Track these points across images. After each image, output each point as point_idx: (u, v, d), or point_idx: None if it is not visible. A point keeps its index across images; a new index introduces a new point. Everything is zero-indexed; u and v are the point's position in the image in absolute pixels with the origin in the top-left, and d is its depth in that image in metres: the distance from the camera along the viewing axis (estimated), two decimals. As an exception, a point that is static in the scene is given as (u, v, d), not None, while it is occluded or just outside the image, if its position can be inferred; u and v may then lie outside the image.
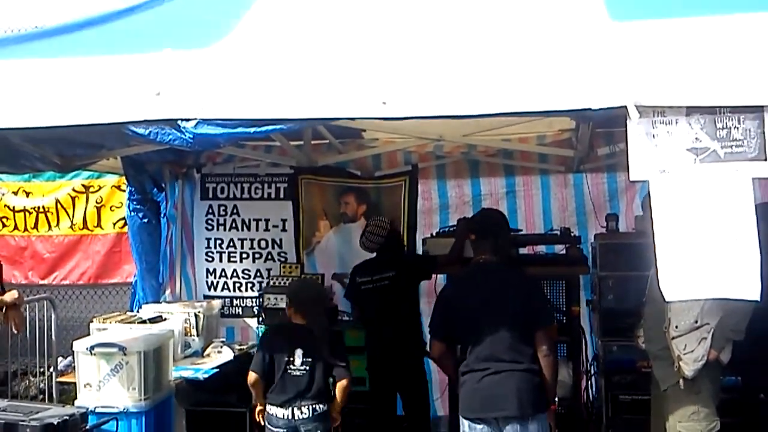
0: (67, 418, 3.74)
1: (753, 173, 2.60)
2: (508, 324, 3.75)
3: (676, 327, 4.00)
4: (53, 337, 6.07)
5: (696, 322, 3.97)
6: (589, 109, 2.64)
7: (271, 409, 4.32)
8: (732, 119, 2.61)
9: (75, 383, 4.48)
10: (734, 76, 2.60)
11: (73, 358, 4.52)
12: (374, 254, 5.68)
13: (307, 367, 4.29)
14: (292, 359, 4.31)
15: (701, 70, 2.64)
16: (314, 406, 4.28)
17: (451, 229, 5.79)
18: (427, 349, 5.95)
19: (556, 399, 4.12)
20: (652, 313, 4.19)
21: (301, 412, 4.26)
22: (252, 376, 4.35)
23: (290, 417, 4.26)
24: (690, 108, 2.64)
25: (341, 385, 4.33)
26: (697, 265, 2.60)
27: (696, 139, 2.64)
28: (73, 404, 4.37)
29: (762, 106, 2.58)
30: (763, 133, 2.59)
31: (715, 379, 4.10)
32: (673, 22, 2.83)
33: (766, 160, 2.59)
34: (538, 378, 3.78)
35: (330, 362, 4.32)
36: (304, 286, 5.06)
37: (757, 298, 2.59)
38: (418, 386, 5.68)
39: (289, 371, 4.31)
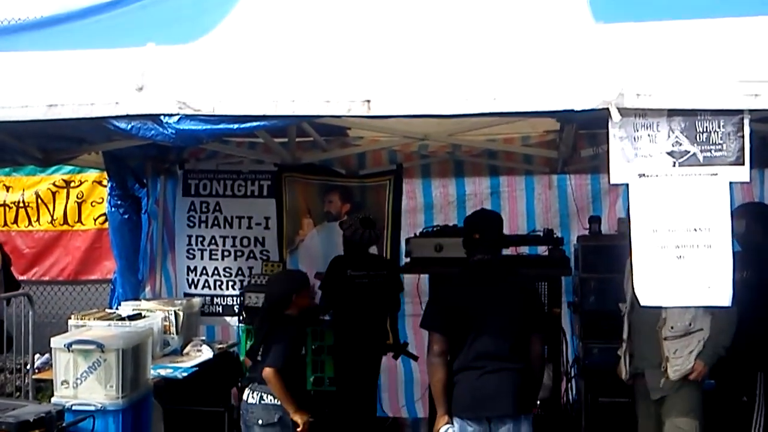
0: (44, 415, 3.69)
1: (731, 177, 2.63)
2: (509, 324, 3.81)
3: (672, 328, 4.10)
4: (30, 333, 6.00)
5: (690, 324, 4.09)
6: (572, 110, 2.66)
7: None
8: (712, 123, 2.64)
9: (52, 380, 4.44)
10: (715, 80, 2.62)
11: (51, 354, 4.47)
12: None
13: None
14: None
15: (683, 73, 2.66)
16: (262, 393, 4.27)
17: (435, 228, 5.79)
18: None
19: (537, 402, 4.16)
20: (646, 320, 4.25)
21: (252, 397, 4.30)
22: None
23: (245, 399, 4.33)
24: (671, 111, 2.66)
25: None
26: (672, 272, 2.64)
27: (676, 142, 2.66)
28: (49, 401, 4.33)
29: (741, 110, 2.61)
30: (742, 137, 2.62)
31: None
32: (656, 25, 2.84)
33: (743, 164, 2.62)
34: (530, 378, 3.86)
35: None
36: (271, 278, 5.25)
37: (728, 303, 2.63)
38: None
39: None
